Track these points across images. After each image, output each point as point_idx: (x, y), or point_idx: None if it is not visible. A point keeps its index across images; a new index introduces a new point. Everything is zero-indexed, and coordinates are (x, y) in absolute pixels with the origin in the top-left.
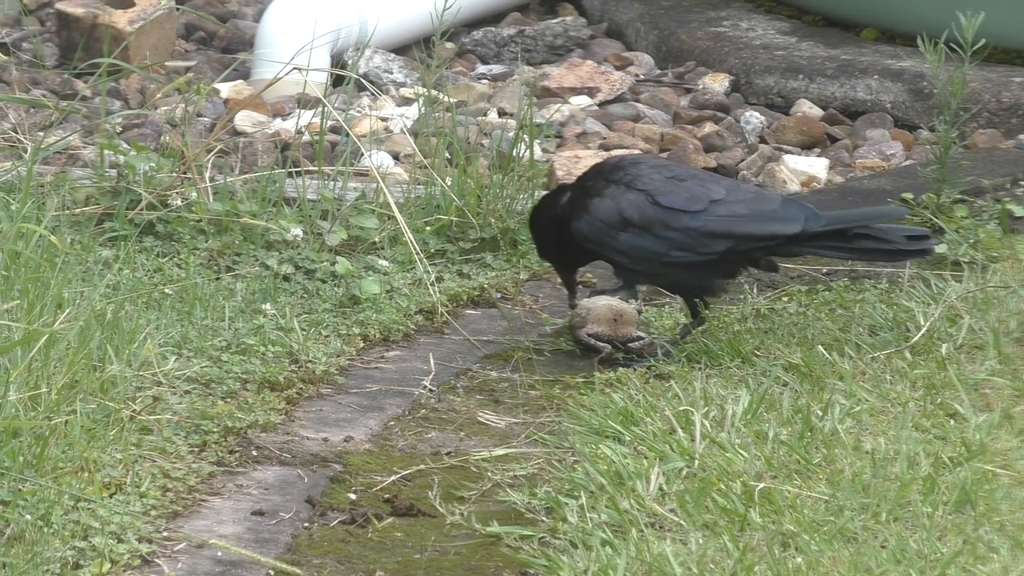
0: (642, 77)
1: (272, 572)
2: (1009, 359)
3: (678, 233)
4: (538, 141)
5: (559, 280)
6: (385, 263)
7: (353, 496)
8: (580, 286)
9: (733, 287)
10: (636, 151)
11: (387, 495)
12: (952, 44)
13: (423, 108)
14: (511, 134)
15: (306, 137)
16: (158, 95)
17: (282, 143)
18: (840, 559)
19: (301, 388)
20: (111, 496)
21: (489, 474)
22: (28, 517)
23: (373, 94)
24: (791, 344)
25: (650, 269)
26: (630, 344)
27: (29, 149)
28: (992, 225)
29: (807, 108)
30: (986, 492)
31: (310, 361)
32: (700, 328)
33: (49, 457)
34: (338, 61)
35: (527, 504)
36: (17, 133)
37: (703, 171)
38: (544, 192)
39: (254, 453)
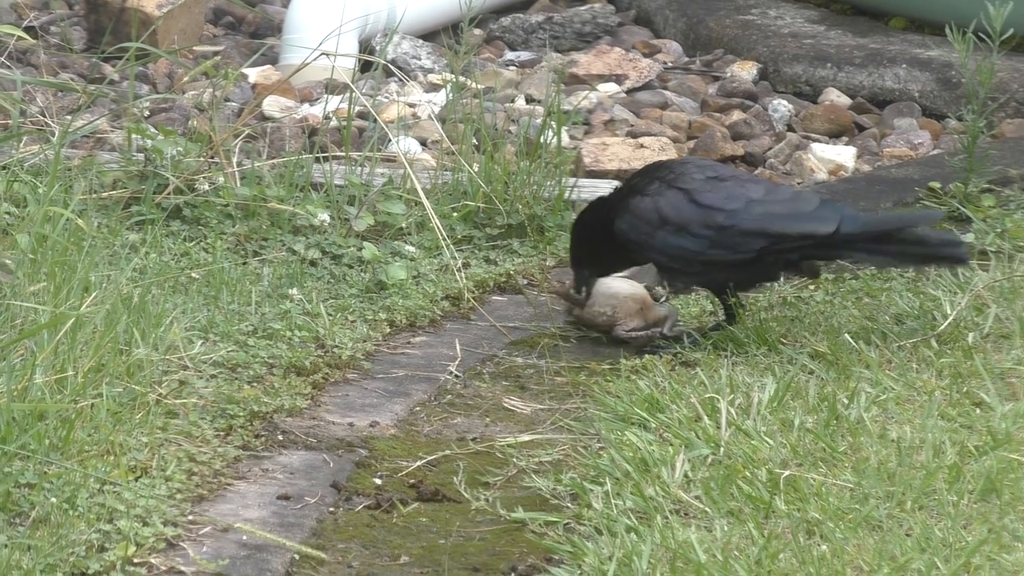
0: (670, 64)
1: (297, 556)
2: None
3: (714, 231)
4: (566, 128)
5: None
6: (412, 249)
7: (378, 481)
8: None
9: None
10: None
11: (412, 480)
12: (980, 33)
13: (451, 94)
14: (539, 121)
15: (334, 123)
16: (186, 79)
17: (310, 128)
18: (865, 547)
19: (327, 373)
20: (136, 479)
21: (514, 460)
22: (54, 500)
23: (401, 80)
24: (817, 332)
25: (689, 268)
26: (657, 326)
27: (57, 133)
28: (1019, 214)
29: (835, 96)
30: (1011, 481)
31: (336, 346)
32: (732, 326)
33: (75, 440)
34: (366, 47)
35: (552, 490)
36: (45, 117)
37: (747, 173)
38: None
39: (280, 437)
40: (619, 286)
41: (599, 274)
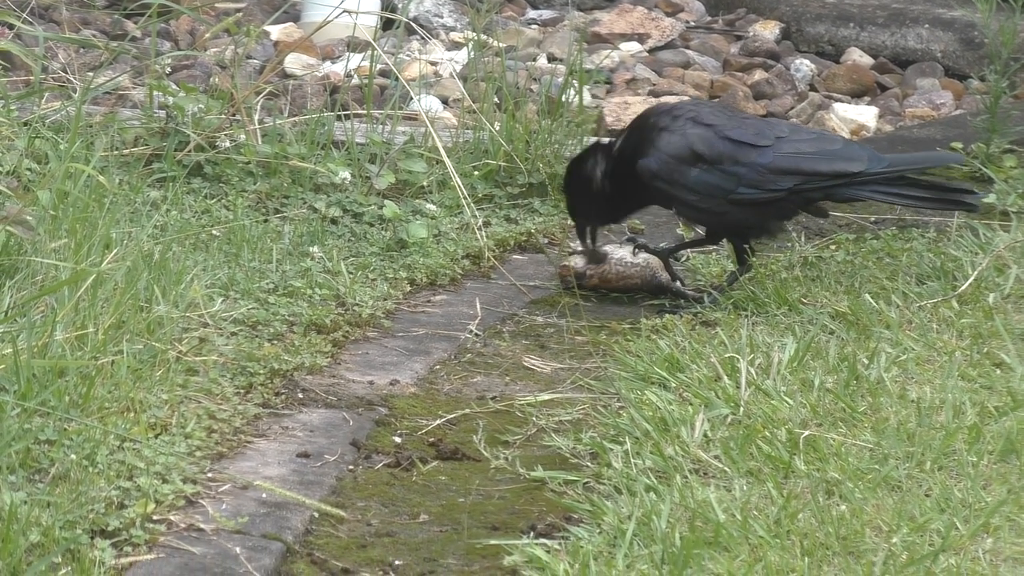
0: (692, 24)
1: (316, 514)
2: None
3: (746, 169)
4: (587, 87)
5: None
6: (433, 207)
7: (398, 439)
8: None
9: (782, 235)
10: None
11: (432, 439)
12: None
13: (472, 53)
14: (560, 79)
15: (355, 80)
16: (208, 36)
17: (331, 86)
18: (884, 507)
19: (347, 331)
20: (156, 437)
21: (534, 419)
22: (73, 456)
23: (423, 38)
24: (838, 292)
25: (716, 207)
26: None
27: (79, 89)
28: None
29: (857, 56)
30: None
31: (357, 304)
32: (746, 275)
33: (95, 397)
34: (388, 4)
35: (572, 449)
36: (67, 73)
37: (760, 116)
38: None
39: (300, 395)
40: (620, 251)
41: (603, 223)
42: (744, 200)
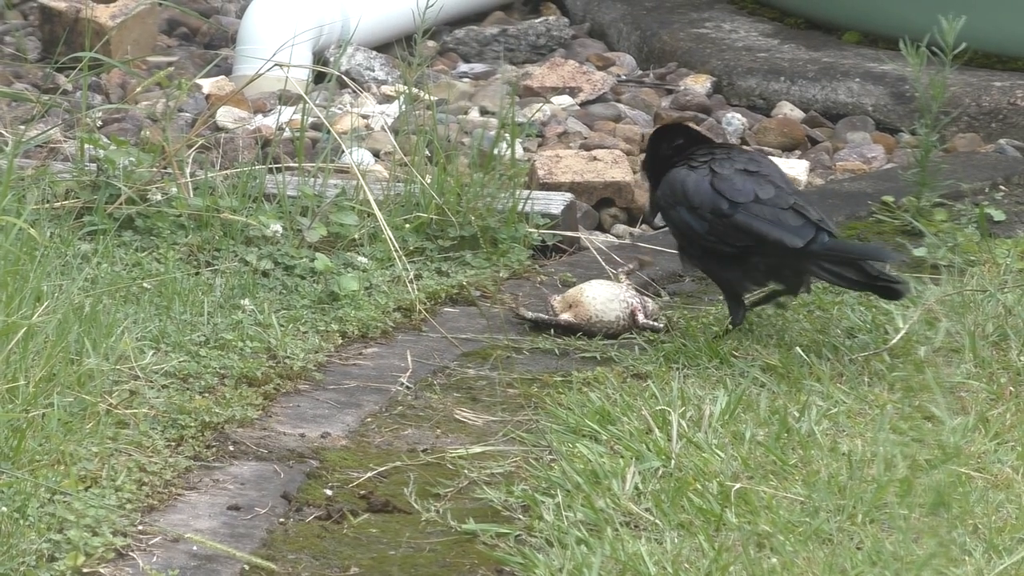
0: (624, 77)
1: (247, 567)
2: (985, 362)
3: (714, 218)
4: (519, 140)
5: (538, 279)
6: (364, 260)
7: (329, 492)
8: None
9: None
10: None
11: (363, 491)
12: (934, 48)
13: (404, 106)
14: (492, 133)
15: (287, 134)
16: (139, 90)
17: (263, 139)
18: (815, 560)
19: (279, 384)
20: (87, 489)
21: (465, 472)
22: (4, 509)
23: (354, 91)
24: (769, 345)
25: (691, 249)
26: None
27: (10, 142)
28: (971, 229)
29: (788, 110)
30: (961, 495)
31: (288, 357)
32: (734, 328)
33: (26, 450)
34: (320, 58)
35: (503, 502)
36: None
37: (780, 172)
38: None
39: (231, 448)
40: (603, 286)
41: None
42: (713, 249)
